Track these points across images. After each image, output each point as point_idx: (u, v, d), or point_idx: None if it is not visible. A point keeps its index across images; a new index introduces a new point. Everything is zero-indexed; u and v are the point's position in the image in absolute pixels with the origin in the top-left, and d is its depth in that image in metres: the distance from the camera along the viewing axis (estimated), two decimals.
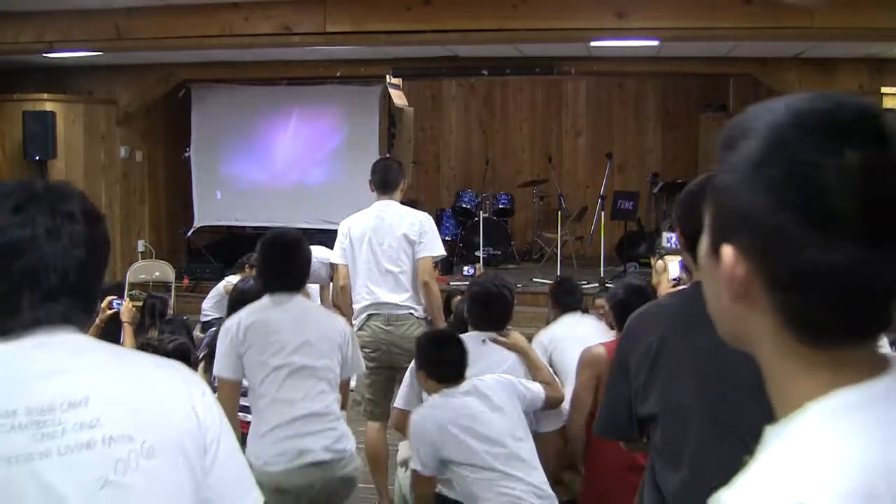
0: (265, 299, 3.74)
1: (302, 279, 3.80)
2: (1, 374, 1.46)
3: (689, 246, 2.13)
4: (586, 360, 3.89)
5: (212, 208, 10.96)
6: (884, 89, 7.65)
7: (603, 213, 9.85)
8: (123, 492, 1.41)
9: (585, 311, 5.17)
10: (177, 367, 1.59)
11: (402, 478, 4.19)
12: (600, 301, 5.24)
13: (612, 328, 4.25)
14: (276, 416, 3.53)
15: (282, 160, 11.27)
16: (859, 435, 0.91)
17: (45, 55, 7.98)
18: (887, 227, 0.91)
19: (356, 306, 5.01)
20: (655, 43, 7.68)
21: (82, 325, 1.55)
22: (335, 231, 5.29)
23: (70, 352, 1.49)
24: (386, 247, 4.99)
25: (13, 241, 1.48)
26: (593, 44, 7.81)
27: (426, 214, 5.20)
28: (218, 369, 3.64)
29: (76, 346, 1.51)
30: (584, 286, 6.29)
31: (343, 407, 3.82)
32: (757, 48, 8.18)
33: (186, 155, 11.17)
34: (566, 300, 5.08)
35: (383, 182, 5.17)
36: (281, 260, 3.74)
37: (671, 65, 9.39)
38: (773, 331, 0.98)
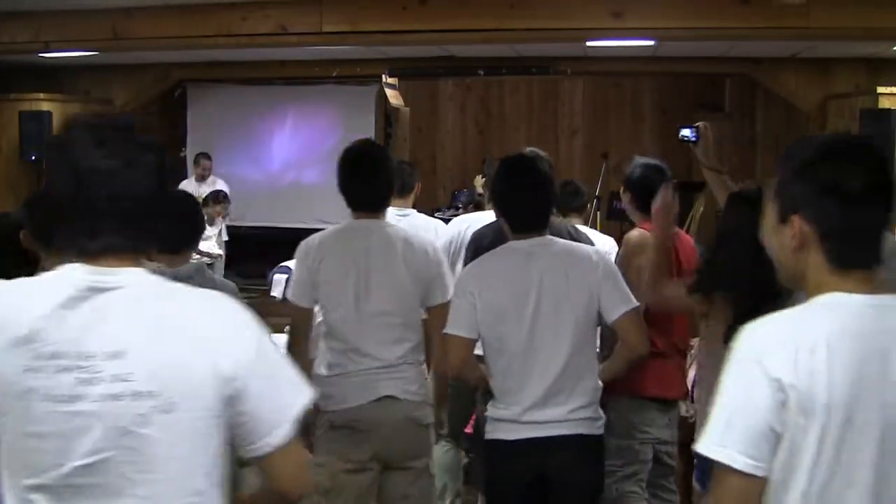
0: (345, 222, 3.67)
1: (384, 196, 3.66)
2: (59, 314, 1.64)
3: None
4: (637, 244, 3.87)
5: None
6: (880, 89, 7.66)
7: (599, 214, 9.84)
8: (141, 441, 1.61)
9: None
10: (215, 315, 1.72)
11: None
12: None
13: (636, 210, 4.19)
14: (350, 363, 3.49)
15: (278, 160, 11.29)
16: (823, 316, 1.70)
17: (41, 55, 7.97)
18: (885, 202, 1.73)
19: None
20: (652, 43, 7.69)
21: (146, 248, 1.76)
22: None
23: (120, 297, 1.66)
24: None
25: (99, 171, 1.66)
26: (590, 44, 7.82)
27: (442, 223, 5.21)
28: (290, 292, 3.60)
29: (129, 287, 1.67)
30: None
31: (428, 350, 3.70)
32: (753, 48, 8.19)
33: (183, 154, 11.16)
34: (568, 200, 5.17)
35: (400, 186, 5.14)
36: (360, 173, 3.62)
37: (668, 64, 9.40)
38: (820, 265, 1.74)
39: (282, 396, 1.74)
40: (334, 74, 9.98)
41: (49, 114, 8.88)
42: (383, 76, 10.03)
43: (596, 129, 12.28)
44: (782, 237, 1.77)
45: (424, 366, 3.66)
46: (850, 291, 1.70)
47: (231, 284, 3.55)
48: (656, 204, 3.60)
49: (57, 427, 1.61)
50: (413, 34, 6.64)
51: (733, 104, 11.09)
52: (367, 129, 10.70)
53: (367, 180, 3.63)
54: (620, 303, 3.23)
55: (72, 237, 1.69)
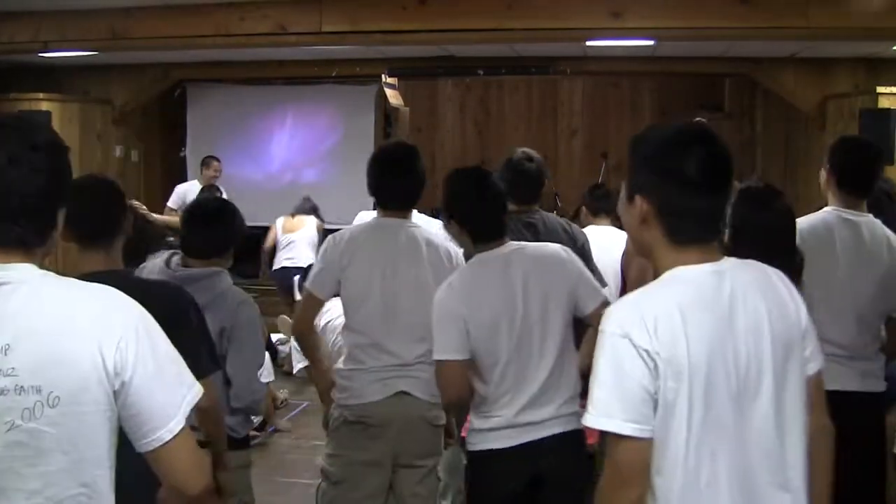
0: (375, 218, 3.70)
1: (414, 196, 3.71)
2: None
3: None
4: None
5: None
6: (879, 89, 7.66)
7: None
8: (29, 435, 1.63)
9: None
10: (101, 309, 1.72)
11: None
12: None
13: None
14: (369, 359, 3.53)
15: (277, 159, 11.28)
16: (674, 289, 1.94)
17: (40, 55, 7.97)
18: (717, 186, 1.99)
19: None
20: (651, 43, 7.68)
21: (37, 245, 1.75)
22: (330, 230, 5.27)
23: (8, 292, 1.67)
24: None
25: None
26: (589, 43, 7.81)
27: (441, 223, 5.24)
28: (312, 283, 3.61)
29: (18, 283, 1.69)
30: None
31: None
32: (752, 48, 8.19)
33: (182, 154, 11.16)
34: (596, 204, 5.44)
35: None
36: (392, 172, 3.66)
37: (667, 64, 9.40)
38: (659, 238, 2.00)
39: (171, 391, 1.76)
40: (334, 74, 9.97)
41: (48, 114, 8.87)
42: (383, 76, 10.02)
43: (595, 129, 12.27)
44: (630, 214, 2.05)
45: None
46: (690, 263, 1.96)
47: (243, 294, 3.49)
48: None
49: None
50: (412, 34, 6.64)
51: (733, 104, 11.09)
52: (366, 128, 10.70)
53: (400, 180, 3.68)
54: (594, 296, 3.31)
55: None
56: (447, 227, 3.39)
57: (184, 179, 10.81)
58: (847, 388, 3.45)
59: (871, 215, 3.68)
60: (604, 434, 1.89)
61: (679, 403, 1.87)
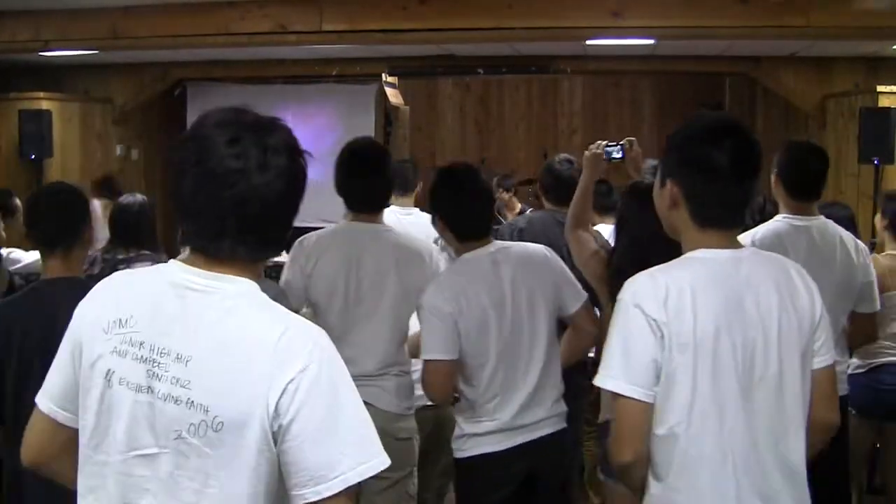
0: (343, 223, 3.67)
1: (384, 196, 3.65)
2: (154, 307, 1.65)
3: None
4: None
5: None
6: (880, 88, 7.65)
7: None
8: (193, 450, 1.59)
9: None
10: (285, 345, 1.61)
11: None
12: None
13: None
14: None
15: None
16: (690, 267, 2.10)
17: (41, 54, 7.97)
18: (743, 176, 2.13)
19: None
20: (651, 42, 7.68)
21: (259, 259, 1.70)
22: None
23: (213, 302, 1.63)
24: None
25: (228, 171, 1.61)
26: (589, 42, 7.81)
27: None
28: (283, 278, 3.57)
29: (224, 297, 1.64)
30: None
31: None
32: (752, 47, 8.19)
33: None
34: (600, 201, 5.33)
35: (403, 184, 5.16)
36: (360, 172, 3.60)
37: (667, 63, 9.39)
38: (686, 221, 2.16)
39: (336, 450, 1.59)
40: (334, 73, 9.97)
41: (49, 113, 8.86)
42: (383, 75, 10.02)
43: (595, 128, 12.24)
44: (661, 197, 2.23)
45: (410, 377, 3.61)
46: (712, 246, 2.12)
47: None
48: (587, 153, 3.70)
49: (127, 412, 1.63)
50: (412, 33, 6.63)
51: (733, 103, 11.09)
52: (366, 127, 10.69)
53: (368, 180, 3.60)
54: (576, 296, 3.37)
55: (191, 237, 1.68)
56: (434, 224, 3.37)
57: None
58: None
59: (822, 216, 3.69)
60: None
61: (681, 374, 2.02)
